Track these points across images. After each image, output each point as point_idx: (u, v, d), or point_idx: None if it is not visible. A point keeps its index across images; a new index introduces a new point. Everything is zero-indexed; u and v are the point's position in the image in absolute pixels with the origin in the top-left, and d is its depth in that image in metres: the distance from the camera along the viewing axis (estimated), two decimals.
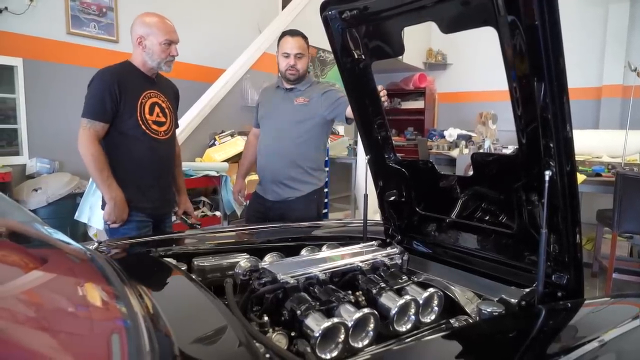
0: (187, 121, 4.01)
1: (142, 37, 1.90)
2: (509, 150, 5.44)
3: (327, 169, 4.69)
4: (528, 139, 0.99)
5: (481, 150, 6.19)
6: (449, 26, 1.06)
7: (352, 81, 1.36)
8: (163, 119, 1.99)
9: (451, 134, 7.49)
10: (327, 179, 2.45)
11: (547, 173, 0.93)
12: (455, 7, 1.01)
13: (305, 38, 2.27)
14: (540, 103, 0.91)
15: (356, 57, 1.29)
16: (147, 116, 1.93)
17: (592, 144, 5.44)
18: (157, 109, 1.97)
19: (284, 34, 2.27)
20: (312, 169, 2.30)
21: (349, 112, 2.06)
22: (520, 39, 0.88)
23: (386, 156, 1.43)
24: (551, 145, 0.93)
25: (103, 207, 1.94)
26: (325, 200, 4.64)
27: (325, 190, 4.62)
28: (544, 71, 0.86)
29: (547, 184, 0.93)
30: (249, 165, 2.55)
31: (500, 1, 0.86)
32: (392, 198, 1.46)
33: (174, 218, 2.20)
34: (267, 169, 2.31)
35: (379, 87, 1.38)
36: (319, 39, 6.06)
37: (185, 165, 3.44)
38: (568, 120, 0.90)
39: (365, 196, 1.48)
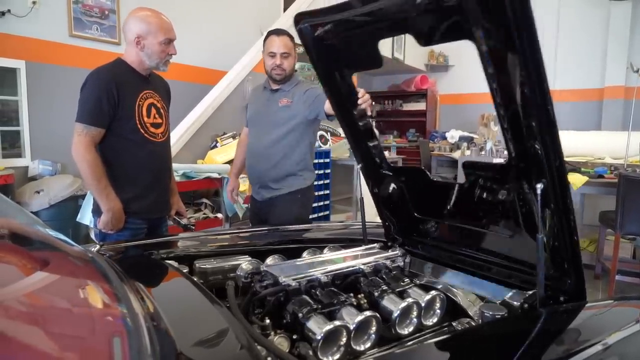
0: (189, 123, 4.01)
1: (140, 37, 1.77)
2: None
3: (328, 171, 4.70)
4: (516, 149, 0.98)
5: (482, 153, 6.19)
6: (426, 39, 1.05)
7: (335, 92, 1.33)
8: (160, 121, 1.91)
9: (453, 135, 7.49)
10: (314, 180, 2.42)
11: (539, 186, 0.93)
12: (430, 20, 0.99)
13: (291, 37, 2.23)
14: (523, 112, 0.90)
15: (334, 69, 1.27)
16: (145, 119, 1.84)
17: (595, 145, 5.43)
18: (153, 110, 1.88)
19: (270, 33, 2.25)
20: (298, 170, 2.29)
21: (327, 107, 2.03)
22: (498, 52, 0.87)
23: (377, 164, 1.41)
24: (539, 151, 0.92)
25: (95, 212, 1.85)
26: (327, 202, 4.64)
27: (327, 192, 4.63)
28: (525, 80, 0.86)
29: (539, 192, 0.93)
30: (242, 164, 2.53)
31: (476, 14, 0.85)
32: (388, 204, 1.45)
33: (169, 222, 2.16)
34: (253, 170, 2.34)
35: (360, 92, 1.34)
36: None
37: (187, 167, 3.45)
38: (554, 125, 0.90)
39: (362, 200, 1.48)
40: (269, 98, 2.31)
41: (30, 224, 1.10)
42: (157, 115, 1.90)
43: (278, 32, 2.24)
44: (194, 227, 2.16)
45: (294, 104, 2.24)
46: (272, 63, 2.22)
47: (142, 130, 1.83)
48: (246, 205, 2.67)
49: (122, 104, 1.77)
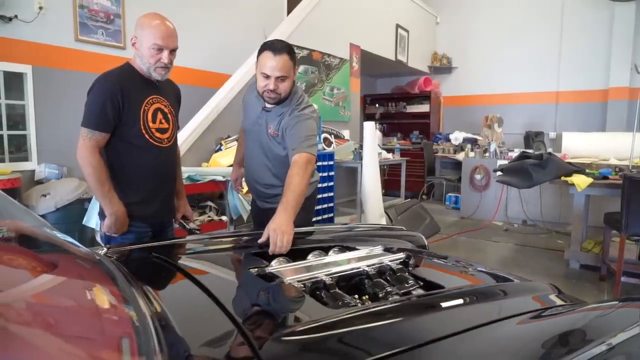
0: (194, 126, 4.04)
1: (135, 38, 1.79)
2: (515, 153, 5.43)
3: (332, 173, 4.71)
4: None
5: (486, 154, 6.18)
6: None
7: None
8: (166, 126, 1.91)
9: (457, 137, 7.49)
10: (316, 185, 2.30)
11: None
12: None
13: (291, 53, 1.88)
14: None
15: None
16: (150, 124, 1.84)
17: (599, 146, 5.43)
18: (159, 116, 1.88)
19: (265, 47, 1.86)
20: None
21: (292, 158, 1.82)
22: None
23: None
24: None
25: (100, 215, 1.86)
26: (331, 204, 4.65)
27: (331, 194, 4.64)
28: None
29: None
30: (244, 155, 2.39)
31: None
32: None
33: (175, 225, 2.17)
34: (249, 185, 2.25)
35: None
36: (325, 44, 6.07)
37: (192, 170, 3.47)
38: None
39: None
40: (260, 117, 2.04)
41: (38, 226, 1.12)
42: (163, 121, 1.90)
43: (275, 48, 1.84)
44: (199, 232, 2.16)
45: (280, 136, 1.98)
46: (264, 85, 1.88)
47: (146, 135, 1.83)
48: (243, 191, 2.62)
49: (127, 109, 1.78)
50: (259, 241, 1.43)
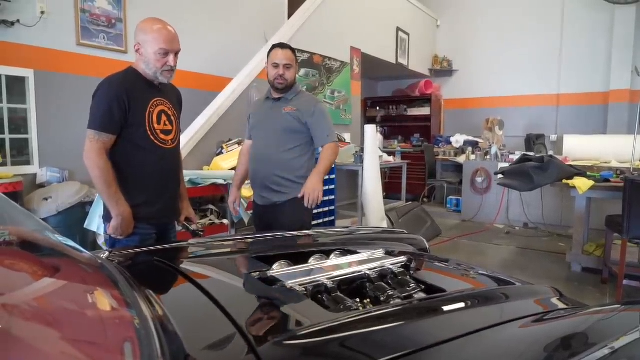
0: (195, 130, 4.04)
1: (139, 44, 1.83)
2: (516, 156, 5.43)
3: (333, 176, 4.71)
4: None
5: (487, 157, 6.18)
6: None
7: None
8: (170, 127, 1.94)
9: (458, 140, 7.49)
10: None
11: None
12: None
13: (293, 51, 2.41)
14: None
15: None
16: (155, 126, 1.87)
17: (601, 149, 5.42)
18: (164, 117, 1.92)
19: (274, 46, 2.41)
20: (299, 179, 2.35)
21: (322, 148, 2.38)
22: None
23: None
24: None
25: (105, 218, 1.88)
26: (332, 208, 4.65)
27: (332, 197, 4.64)
28: None
29: None
30: (243, 175, 2.58)
31: None
32: None
33: (178, 228, 2.18)
34: (256, 175, 2.42)
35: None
36: (325, 47, 6.09)
37: (193, 174, 3.47)
38: None
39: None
40: (273, 107, 2.43)
41: (40, 230, 1.12)
42: (167, 122, 1.93)
43: (282, 45, 2.40)
44: (202, 233, 2.16)
45: (299, 112, 2.36)
46: (275, 73, 2.35)
47: (152, 136, 1.86)
48: (250, 212, 2.69)
49: (133, 111, 1.80)
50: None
